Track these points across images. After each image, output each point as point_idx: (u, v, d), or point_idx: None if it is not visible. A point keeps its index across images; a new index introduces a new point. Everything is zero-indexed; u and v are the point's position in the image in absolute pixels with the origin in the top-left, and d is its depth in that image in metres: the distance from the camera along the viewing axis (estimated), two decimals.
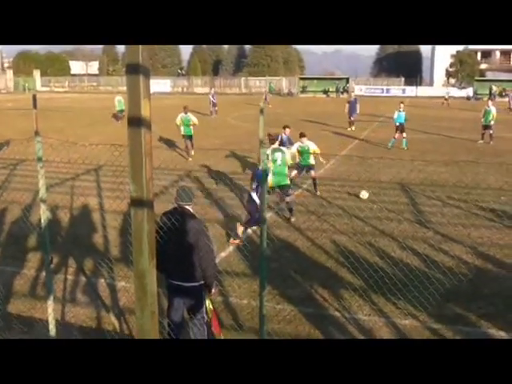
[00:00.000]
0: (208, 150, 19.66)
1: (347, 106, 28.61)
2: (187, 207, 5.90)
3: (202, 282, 5.85)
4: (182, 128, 19.73)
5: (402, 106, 22.32)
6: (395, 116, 22.25)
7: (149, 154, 3.21)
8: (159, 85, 69.98)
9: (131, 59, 3.09)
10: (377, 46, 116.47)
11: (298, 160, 13.33)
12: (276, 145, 11.82)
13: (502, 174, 16.67)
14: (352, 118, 28.10)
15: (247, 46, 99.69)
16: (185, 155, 19.78)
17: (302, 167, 13.69)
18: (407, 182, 15.07)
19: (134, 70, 3.08)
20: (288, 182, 11.67)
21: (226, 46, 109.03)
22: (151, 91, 3.29)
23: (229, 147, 20.70)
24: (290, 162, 11.72)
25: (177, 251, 5.69)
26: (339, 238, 10.40)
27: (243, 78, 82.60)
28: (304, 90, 70.14)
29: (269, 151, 10.95)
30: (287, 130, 14.69)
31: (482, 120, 24.01)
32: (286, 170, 11.68)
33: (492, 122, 23.51)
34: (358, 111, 28.41)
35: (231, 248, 9.85)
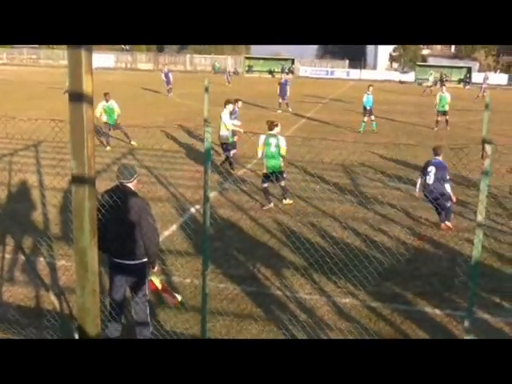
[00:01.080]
0: (151, 128, 19.38)
1: (278, 87, 28.54)
2: (129, 185, 5.82)
3: (145, 259, 5.83)
4: (103, 117, 17.41)
5: (370, 89, 22.38)
6: (364, 99, 22.27)
7: (91, 131, 3.15)
8: (102, 59, 68.10)
9: None
10: None
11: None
12: (274, 131, 11.55)
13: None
14: (285, 100, 28.08)
15: None
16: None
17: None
18: (349, 163, 15.34)
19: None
20: (281, 168, 11.47)
21: None
22: (94, 66, 3.21)
23: (173, 125, 20.49)
24: (284, 150, 11.36)
25: (119, 229, 5.64)
26: (282, 217, 10.52)
27: (188, 56, 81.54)
28: (250, 69, 69.91)
29: (263, 136, 11.43)
30: (239, 103, 16.08)
31: (437, 106, 23.65)
32: (280, 156, 11.39)
33: (447, 108, 23.51)
34: (288, 93, 28.24)
35: (174, 227, 9.81)
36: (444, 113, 23.59)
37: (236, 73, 68.63)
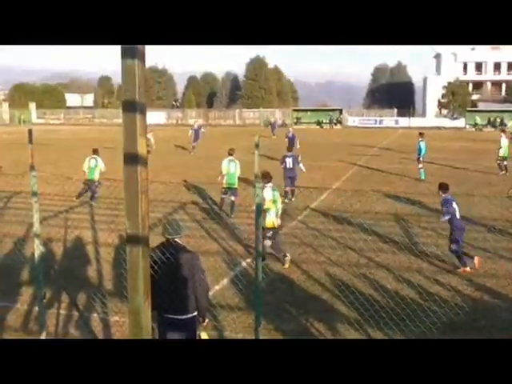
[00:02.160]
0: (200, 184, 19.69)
1: (287, 140, 28.01)
2: (177, 240, 5.90)
3: (195, 313, 5.84)
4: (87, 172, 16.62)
5: (423, 136, 22.39)
6: (421, 147, 22.12)
7: (144, 191, 3.23)
8: (154, 117, 70.38)
9: (128, 96, 3.12)
10: (369, 78, 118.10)
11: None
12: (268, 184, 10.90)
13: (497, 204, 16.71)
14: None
15: (241, 78, 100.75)
16: None
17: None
18: (403, 212, 15.10)
19: (130, 107, 3.11)
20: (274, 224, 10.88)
21: (220, 79, 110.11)
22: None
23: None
24: (267, 203, 10.68)
25: (171, 284, 5.67)
26: (334, 270, 10.36)
27: (237, 110, 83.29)
28: (298, 121, 70.69)
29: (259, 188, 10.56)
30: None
31: (502, 152, 23.45)
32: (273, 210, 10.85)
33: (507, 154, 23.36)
34: (298, 146, 27.47)
35: (225, 281, 9.79)
36: (504, 158, 23.37)
37: (284, 125, 69.51)
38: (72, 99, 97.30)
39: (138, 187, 3.16)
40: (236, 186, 15.23)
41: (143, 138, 3.12)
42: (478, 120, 59.59)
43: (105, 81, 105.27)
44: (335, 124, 67.61)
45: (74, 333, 7.73)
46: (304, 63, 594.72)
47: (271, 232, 10.87)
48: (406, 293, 9.02)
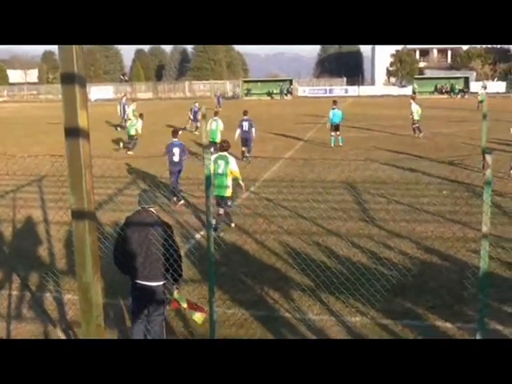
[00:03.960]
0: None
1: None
2: (151, 210, 6.05)
3: (165, 281, 6.05)
4: None
5: (336, 104, 23.23)
6: (330, 115, 22.98)
7: (88, 166, 3.17)
8: (102, 91, 68.83)
9: (65, 68, 3.04)
10: (318, 47, 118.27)
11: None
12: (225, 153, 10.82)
13: (442, 168, 17.18)
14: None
15: (190, 50, 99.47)
16: None
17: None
18: (351, 180, 15.35)
19: (69, 79, 3.02)
20: (228, 194, 10.91)
21: (168, 51, 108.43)
22: (93, 98, 3.23)
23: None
24: (235, 172, 10.80)
25: (143, 252, 5.84)
26: (287, 238, 10.48)
27: (187, 82, 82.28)
28: (248, 92, 70.34)
29: (213, 158, 10.10)
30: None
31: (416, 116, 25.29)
32: (227, 181, 10.78)
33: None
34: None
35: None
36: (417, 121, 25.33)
37: (236, 96, 69.12)
38: (15, 75, 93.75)
39: (81, 162, 3.11)
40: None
41: (84, 110, 3.06)
42: (416, 87, 62.00)
43: (49, 55, 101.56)
44: (286, 94, 67.59)
45: (27, 313, 7.62)
46: None
47: (230, 201, 11.13)
48: (357, 258, 9.23)
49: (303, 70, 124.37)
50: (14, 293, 8.29)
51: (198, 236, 10.75)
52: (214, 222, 9.58)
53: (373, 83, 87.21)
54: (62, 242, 10.46)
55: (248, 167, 17.19)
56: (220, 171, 10.61)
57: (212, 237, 5.15)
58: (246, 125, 19.44)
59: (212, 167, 9.24)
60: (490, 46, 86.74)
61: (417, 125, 25.17)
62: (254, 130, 19.60)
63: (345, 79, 77.62)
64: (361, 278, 7.24)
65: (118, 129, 29.49)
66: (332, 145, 22.68)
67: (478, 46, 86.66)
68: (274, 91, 68.81)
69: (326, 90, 72.44)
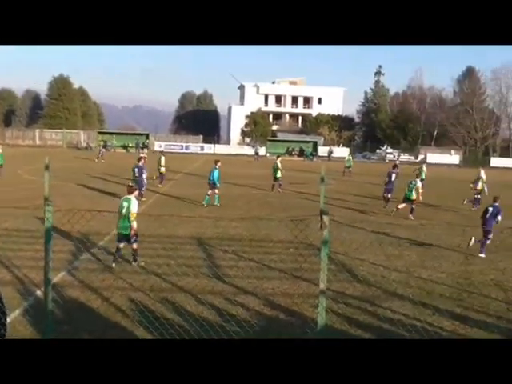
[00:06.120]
0: None
1: None
2: None
3: None
4: None
5: (218, 164, 22.69)
6: (214, 174, 22.30)
7: None
8: None
9: None
10: (176, 105, 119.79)
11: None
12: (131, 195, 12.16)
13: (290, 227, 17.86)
14: None
15: (43, 97, 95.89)
16: None
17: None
18: (205, 236, 15.44)
19: None
20: (128, 231, 11.83)
21: (19, 97, 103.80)
22: None
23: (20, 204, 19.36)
24: (133, 215, 11.80)
25: None
26: (135, 295, 10.18)
27: (38, 130, 78.91)
28: (105, 144, 68.86)
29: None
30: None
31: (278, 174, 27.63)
32: (130, 220, 11.79)
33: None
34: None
35: (17, 312, 9.08)
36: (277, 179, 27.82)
37: (89, 147, 67.39)
38: None
39: None
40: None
41: None
42: (260, 150, 65.46)
43: None
44: (142, 148, 67.15)
45: None
46: (111, 87, 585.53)
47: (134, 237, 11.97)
48: (204, 315, 9.18)
49: (160, 124, 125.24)
50: None
51: (38, 292, 10.08)
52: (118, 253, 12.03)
53: (228, 142, 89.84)
54: None
55: (93, 221, 16.65)
56: (124, 212, 11.78)
57: (50, 294, 4.85)
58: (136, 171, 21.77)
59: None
60: (336, 114, 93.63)
61: (280, 182, 27.63)
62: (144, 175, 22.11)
63: (201, 137, 79.22)
64: (204, 336, 7.18)
65: None
66: (204, 203, 21.97)
67: (326, 113, 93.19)
68: (130, 144, 68.12)
69: (182, 146, 73.29)
